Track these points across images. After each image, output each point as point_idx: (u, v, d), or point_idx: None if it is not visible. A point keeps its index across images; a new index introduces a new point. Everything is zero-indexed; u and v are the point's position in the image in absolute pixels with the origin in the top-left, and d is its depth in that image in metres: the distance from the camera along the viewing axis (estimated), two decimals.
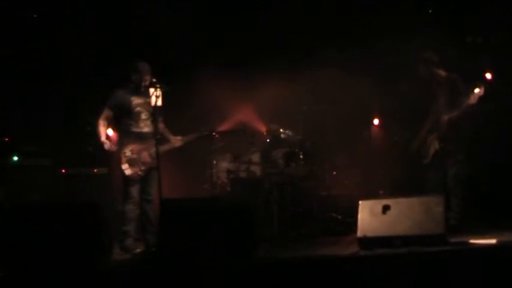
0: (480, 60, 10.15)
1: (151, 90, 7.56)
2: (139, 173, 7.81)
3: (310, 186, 9.30)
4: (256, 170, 9.86)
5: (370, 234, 6.76)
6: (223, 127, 10.52)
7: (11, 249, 6.11)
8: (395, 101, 9.41)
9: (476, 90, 7.72)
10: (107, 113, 7.92)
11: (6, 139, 9.72)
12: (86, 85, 9.91)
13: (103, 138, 7.84)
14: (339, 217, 8.92)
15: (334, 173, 9.93)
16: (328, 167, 9.81)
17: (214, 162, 9.73)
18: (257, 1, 10.44)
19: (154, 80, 7.63)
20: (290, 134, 9.99)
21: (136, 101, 7.91)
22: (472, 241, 6.71)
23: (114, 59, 10.10)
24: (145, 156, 7.83)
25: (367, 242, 6.71)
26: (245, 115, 10.67)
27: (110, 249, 6.72)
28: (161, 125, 8.16)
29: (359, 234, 6.84)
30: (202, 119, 10.57)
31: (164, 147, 8.04)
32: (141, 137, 7.88)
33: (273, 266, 6.07)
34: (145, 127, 7.92)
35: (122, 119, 7.93)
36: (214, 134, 9.10)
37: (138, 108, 7.90)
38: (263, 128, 10.79)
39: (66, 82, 10.07)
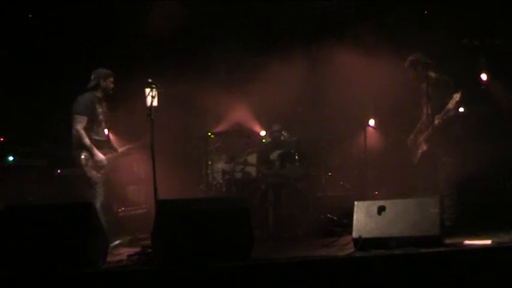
0: (476, 62, 10.18)
1: (147, 90, 7.60)
2: (100, 176, 7.99)
3: (305, 187, 9.28)
4: (252, 171, 9.85)
5: (365, 235, 6.76)
6: (219, 128, 10.53)
7: (5, 250, 6.10)
8: (391, 102, 9.42)
9: (455, 95, 7.75)
10: (84, 120, 7.97)
11: (2, 139, 9.71)
12: (83, 85, 9.88)
13: (96, 150, 7.95)
14: (335, 218, 8.91)
15: (330, 174, 9.93)
16: (323, 168, 9.81)
17: (210, 163, 9.72)
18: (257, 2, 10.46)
19: (150, 80, 7.65)
20: (286, 135, 10.01)
21: (99, 109, 8.12)
22: (467, 242, 6.72)
23: (112, 60, 10.10)
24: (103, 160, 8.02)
25: (363, 243, 6.70)
26: (241, 116, 10.68)
27: (106, 249, 6.71)
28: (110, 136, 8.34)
29: (354, 235, 6.83)
30: (198, 120, 10.59)
31: (113, 156, 8.23)
32: (100, 145, 8.07)
33: (268, 267, 6.07)
34: (104, 135, 8.17)
35: (86, 125, 7.99)
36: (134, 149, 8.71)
37: (101, 117, 8.12)
38: (259, 129, 10.81)
39: (63, 82, 10.05)
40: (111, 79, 8.18)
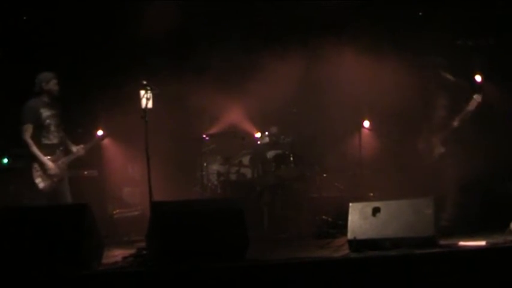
0: (471, 63, 10.18)
1: (142, 92, 7.59)
2: (53, 185, 7.86)
3: (300, 188, 9.30)
4: (247, 172, 9.86)
5: (360, 236, 6.77)
6: (214, 129, 10.54)
7: None
8: (386, 103, 9.42)
9: (475, 96, 7.79)
10: (29, 128, 7.83)
11: None
12: (77, 87, 9.88)
13: (45, 159, 7.82)
14: (329, 219, 8.91)
15: (325, 175, 9.93)
16: (318, 169, 9.82)
17: (205, 164, 9.73)
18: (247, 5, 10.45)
19: (144, 82, 7.64)
20: (283, 137, 10.02)
21: (46, 113, 7.94)
22: (461, 243, 6.73)
23: (106, 61, 10.10)
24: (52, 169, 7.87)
25: (357, 244, 6.72)
26: (236, 118, 10.68)
27: (101, 251, 6.70)
28: (62, 135, 8.13)
29: (349, 236, 6.85)
30: (193, 121, 10.59)
31: (68, 158, 8.11)
32: (51, 149, 7.93)
33: (263, 268, 6.07)
34: (54, 138, 7.99)
35: (34, 132, 7.86)
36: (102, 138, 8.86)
37: (48, 121, 7.94)
38: (253, 131, 10.81)
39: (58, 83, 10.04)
40: (54, 81, 8.00)
